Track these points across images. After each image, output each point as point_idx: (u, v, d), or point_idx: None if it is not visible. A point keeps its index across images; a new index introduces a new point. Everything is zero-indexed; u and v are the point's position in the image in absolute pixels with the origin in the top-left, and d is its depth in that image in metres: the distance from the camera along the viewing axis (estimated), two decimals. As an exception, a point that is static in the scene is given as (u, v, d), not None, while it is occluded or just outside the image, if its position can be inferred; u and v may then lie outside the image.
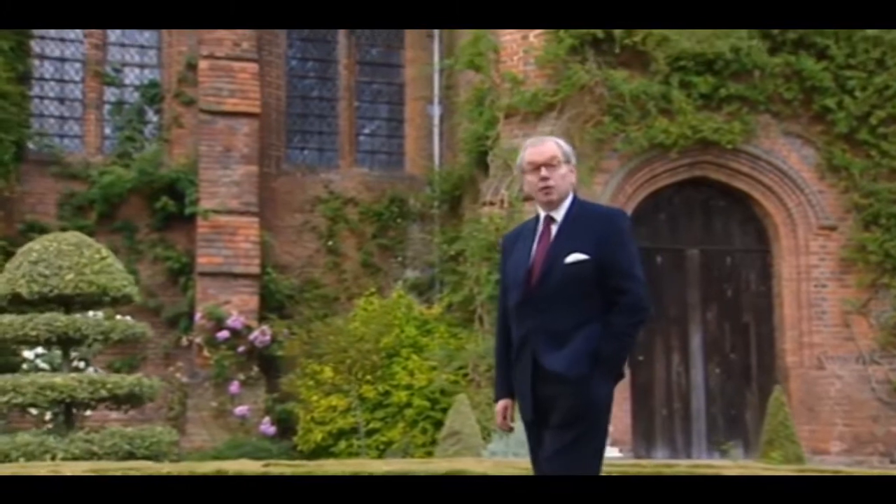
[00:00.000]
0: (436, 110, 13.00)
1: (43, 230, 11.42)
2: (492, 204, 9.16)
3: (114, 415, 10.44)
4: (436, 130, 12.94)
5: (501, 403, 3.51)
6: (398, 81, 13.24)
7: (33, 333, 7.80)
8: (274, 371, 11.38)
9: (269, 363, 11.36)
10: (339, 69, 13.03)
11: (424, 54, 13.09)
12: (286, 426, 10.91)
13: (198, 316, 11.07)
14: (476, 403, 8.37)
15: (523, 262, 3.41)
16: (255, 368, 11.19)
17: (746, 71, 9.41)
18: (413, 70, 13.14)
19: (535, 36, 9.30)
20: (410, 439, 9.77)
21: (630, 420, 9.37)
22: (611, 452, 8.32)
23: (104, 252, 8.19)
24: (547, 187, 3.38)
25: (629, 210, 9.78)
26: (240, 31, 11.82)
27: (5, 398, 7.60)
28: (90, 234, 8.78)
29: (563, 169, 3.41)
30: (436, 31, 12.73)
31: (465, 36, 11.29)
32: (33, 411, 8.94)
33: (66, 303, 8.07)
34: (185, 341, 11.25)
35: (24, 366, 9.88)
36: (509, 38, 9.43)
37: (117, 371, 10.56)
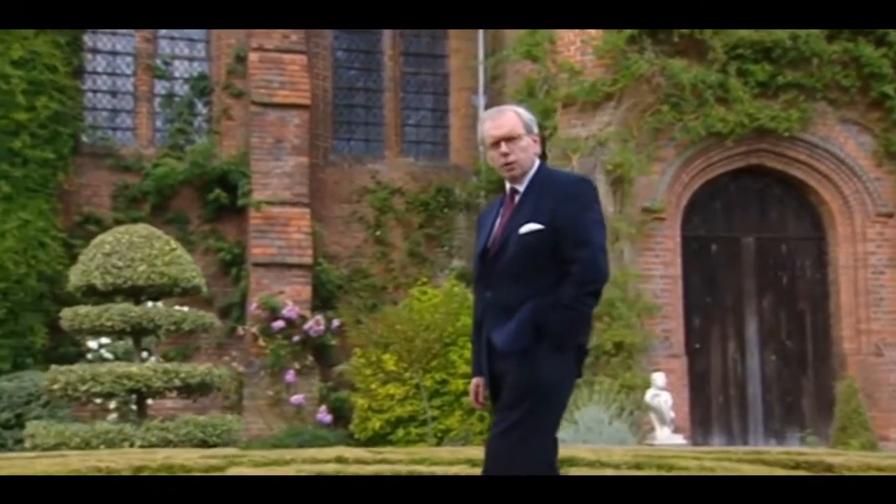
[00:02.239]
0: (481, 100, 13.06)
1: (98, 222, 11.59)
2: (552, 193, 9.19)
3: (168, 403, 10.63)
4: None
5: (474, 381, 3.36)
6: (443, 72, 13.31)
7: (109, 324, 7.93)
8: (327, 360, 11.51)
9: (322, 352, 11.49)
10: (384, 60, 13.11)
11: (469, 44, 13.15)
12: (339, 414, 11.04)
13: (253, 306, 11.19)
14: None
15: (485, 237, 3.31)
16: (310, 357, 11.31)
17: (804, 58, 9.44)
18: (457, 60, 13.20)
19: (593, 26, 9.35)
20: (468, 427, 9.88)
21: (687, 407, 9.44)
22: (675, 439, 8.42)
23: (173, 244, 8.32)
24: (508, 163, 3.24)
25: (685, 199, 9.87)
26: (289, 24, 11.91)
27: (84, 387, 7.74)
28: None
29: (524, 140, 3.25)
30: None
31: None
32: (97, 400, 9.09)
33: (135, 293, 8.21)
34: (240, 331, 11.37)
35: (89, 355, 10.05)
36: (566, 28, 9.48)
37: (171, 360, 10.71)
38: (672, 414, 8.49)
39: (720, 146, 9.61)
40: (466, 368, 10.21)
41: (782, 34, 9.12)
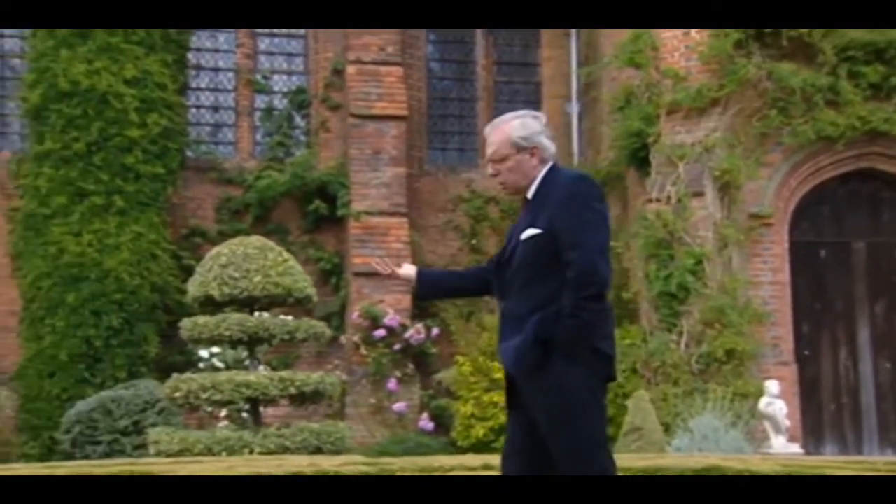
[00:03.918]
0: (574, 108, 13.06)
1: (203, 234, 11.93)
2: (657, 200, 9.16)
3: (270, 411, 10.85)
4: (574, 128, 13.01)
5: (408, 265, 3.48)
6: (535, 80, 13.35)
7: (227, 333, 8.14)
8: (426, 368, 11.62)
9: (421, 360, 11.60)
10: (477, 70, 13.21)
11: (561, 52, 13.18)
12: (439, 422, 11.12)
13: (354, 315, 11.35)
14: (651, 399, 8.39)
15: (503, 248, 3.29)
16: (410, 365, 11.43)
17: (918, 59, 9.21)
18: (550, 68, 13.23)
19: (697, 32, 9.28)
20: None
21: (799, 416, 9.27)
22: (791, 448, 8.28)
23: (285, 255, 8.49)
24: (500, 183, 3.27)
25: (792, 204, 9.70)
26: (384, 36, 12.09)
27: (205, 395, 7.96)
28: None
29: (512, 160, 3.20)
30: (573, 30, 12.80)
31: (605, 34, 11.34)
32: (207, 408, 9.33)
33: (250, 304, 8.41)
34: (342, 340, 11.55)
35: (201, 364, 10.33)
36: (670, 34, 9.43)
37: (274, 369, 10.93)
38: (787, 423, 8.36)
39: (829, 150, 9.43)
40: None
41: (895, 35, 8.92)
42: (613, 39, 10.60)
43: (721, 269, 9.03)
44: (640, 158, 10.04)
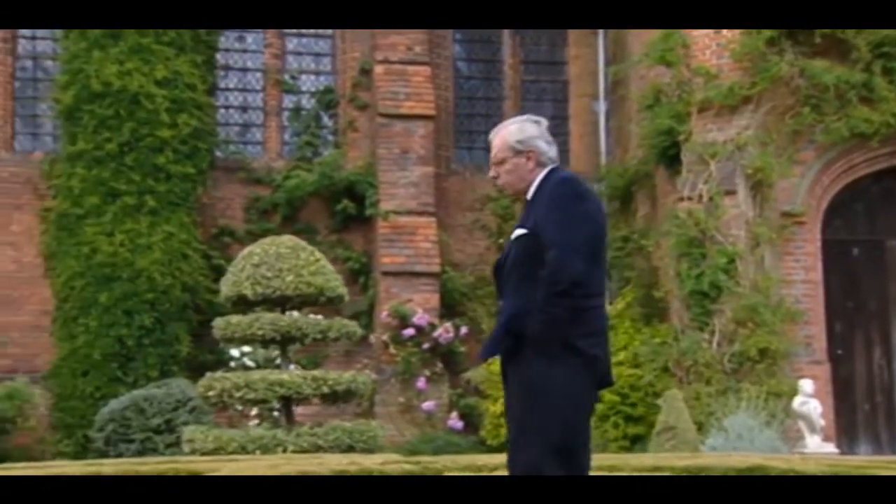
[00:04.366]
0: (601, 106, 13.02)
1: (232, 234, 11.99)
2: (689, 199, 9.13)
3: (299, 409, 10.89)
4: (602, 126, 12.97)
5: None
6: (562, 79, 13.33)
7: (260, 332, 8.17)
8: (455, 367, 11.62)
9: (450, 359, 11.61)
10: (504, 69, 13.20)
11: (588, 51, 13.13)
12: (468, 421, 11.13)
13: (383, 314, 11.37)
14: (683, 399, 8.36)
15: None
16: (439, 364, 11.44)
17: (954, 55, 9.12)
18: (577, 67, 13.20)
19: (728, 30, 9.23)
20: (603, 433, 9.84)
21: (832, 415, 9.20)
22: (826, 448, 8.22)
23: (317, 254, 8.51)
24: (500, 185, 3.41)
25: (825, 202, 9.64)
26: (412, 35, 12.10)
27: (239, 394, 8.00)
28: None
29: (509, 163, 3.33)
30: (601, 29, 12.76)
31: (633, 33, 11.29)
32: (238, 407, 9.37)
33: (282, 303, 8.44)
34: (371, 339, 11.57)
35: (232, 363, 10.39)
36: (701, 32, 9.39)
37: (304, 368, 10.97)
38: (822, 422, 8.30)
39: (863, 147, 9.36)
40: (599, 375, 10.18)
41: (931, 29, 8.83)
42: (642, 38, 10.56)
43: (753, 267, 8.98)
44: (669, 157, 10.00)
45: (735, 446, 7.58)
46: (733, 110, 9.14)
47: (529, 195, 3.34)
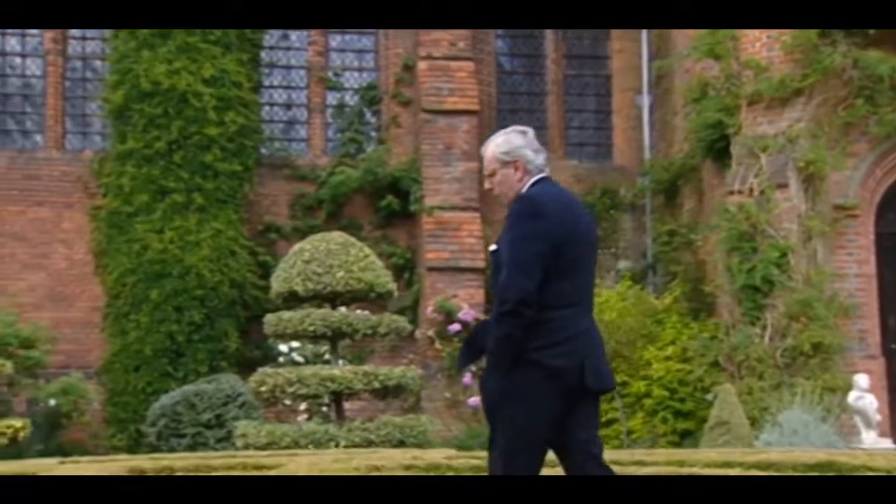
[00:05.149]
0: (645, 100, 12.94)
1: (278, 230, 12.08)
2: (739, 192, 9.04)
3: (346, 404, 10.96)
4: (645, 120, 12.89)
5: None
6: (605, 73, 13.25)
7: (311, 328, 8.24)
8: (500, 362, 11.60)
9: (495, 355, 11.59)
10: (547, 64, 13.16)
11: (632, 45, 13.05)
12: (513, 416, 11.11)
13: (429, 310, 11.39)
14: (737, 393, 8.29)
15: None
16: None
17: None
18: (620, 61, 13.12)
19: (778, 21, 9.11)
20: (652, 429, 9.80)
21: (887, 410, 9.08)
22: (883, 443, 8.11)
23: (366, 250, 8.56)
24: (495, 195, 3.50)
25: (878, 195, 9.50)
26: (455, 31, 12.10)
27: (291, 389, 8.07)
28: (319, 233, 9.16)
29: (499, 175, 3.44)
30: (644, 21, 12.68)
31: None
32: (287, 402, 9.44)
33: (332, 299, 8.48)
34: (417, 334, 11.60)
35: (280, 359, 10.48)
36: (750, 24, 9.27)
37: (350, 363, 11.02)
38: (878, 417, 8.20)
39: (918, 139, 9.22)
40: (647, 370, 10.15)
41: None
42: (687, 31, 10.46)
43: (806, 261, 8.88)
44: (717, 150, 9.91)
45: (790, 441, 7.51)
46: (784, 103, 9.04)
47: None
